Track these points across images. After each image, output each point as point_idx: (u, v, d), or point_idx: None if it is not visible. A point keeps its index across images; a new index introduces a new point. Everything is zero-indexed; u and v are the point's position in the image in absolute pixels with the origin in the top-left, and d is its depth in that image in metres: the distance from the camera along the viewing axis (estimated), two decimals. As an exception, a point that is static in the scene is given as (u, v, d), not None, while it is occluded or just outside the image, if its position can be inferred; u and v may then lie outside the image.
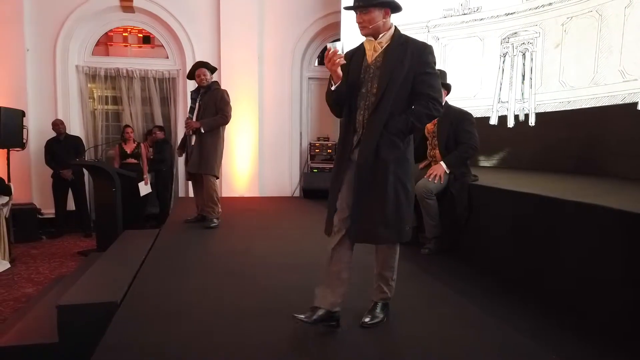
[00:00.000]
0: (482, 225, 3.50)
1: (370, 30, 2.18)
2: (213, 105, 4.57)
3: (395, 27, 2.24)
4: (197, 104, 4.64)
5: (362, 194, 2.15)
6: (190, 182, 5.26)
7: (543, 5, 5.09)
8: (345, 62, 2.14)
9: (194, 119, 4.60)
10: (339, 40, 2.30)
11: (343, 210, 2.19)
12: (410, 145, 2.26)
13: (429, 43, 2.26)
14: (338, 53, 2.08)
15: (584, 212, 2.51)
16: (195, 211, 4.90)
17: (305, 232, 4.60)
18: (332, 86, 2.21)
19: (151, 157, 7.02)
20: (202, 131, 4.51)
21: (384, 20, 2.17)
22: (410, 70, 2.14)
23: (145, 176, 6.64)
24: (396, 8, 2.20)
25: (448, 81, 3.89)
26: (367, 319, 2.26)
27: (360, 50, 2.28)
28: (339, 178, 2.24)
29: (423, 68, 2.16)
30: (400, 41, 2.19)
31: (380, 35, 2.20)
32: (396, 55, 2.16)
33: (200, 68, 4.64)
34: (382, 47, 2.20)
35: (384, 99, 2.14)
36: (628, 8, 4.22)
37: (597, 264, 2.38)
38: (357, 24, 2.22)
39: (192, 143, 4.61)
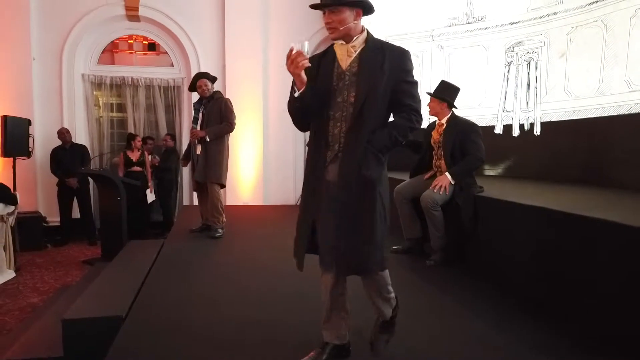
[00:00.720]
0: (488, 237, 3.48)
1: (340, 33, 1.94)
2: (217, 114, 4.59)
3: (367, 30, 2.01)
4: (200, 114, 4.66)
5: (347, 219, 1.91)
6: (192, 188, 5.27)
7: (548, 15, 5.09)
8: (309, 64, 1.88)
9: (198, 128, 4.62)
10: (306, 39, 1.92)
11: (326, 241, 1.95)
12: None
13: (406, 48, 2.03)
14: (303, 54, 1.82)
15: (588, 226, 2.49)
16: (200, 220, 4.90)
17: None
18: (295, 92, 1.94)
19: (156, 164, 7.08)
20: (208, 140, 4.52)
21: (356, 22, 1.94)
22: (390, 78, 1.93)
23: (150, 184, 6.72)
24: (369, 9, 1.97)
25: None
26: (375, 339, 2.16)
27: (329, 55, 2.03)
28: (313, 201, 1.99)
29: (404, 76, 1.97)
30: (376, 45, 1.97)
31: (353, 39, 1.96)
32: (374, 61, 1.94)
33: (201, 79, 4.66)
34: (355, 52, 1.97)
35: (364, 110, 1.91)
36: (633, 18, 4.21)
37: (604, 277, 2.37)
38: (325, 26, 1.96)
39: (198, 152, 4.63)
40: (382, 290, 2.06)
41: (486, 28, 5.71)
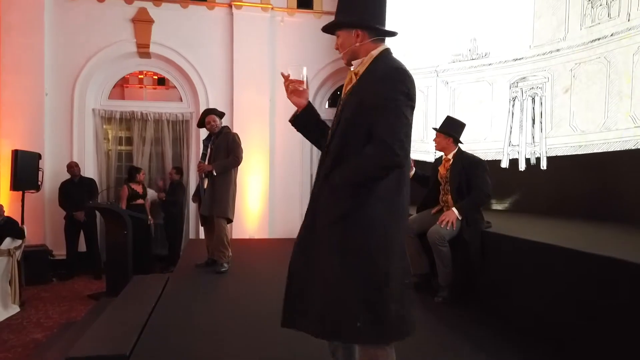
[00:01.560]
0: (496, 273, 3.44)
1: (346, 58, 1.79)
2: (224, 148, 4.63)
3: (384, 51, 1.74)
4: (208, 150, 4.70)
5: (293, 265, 1.84)
6: (200, 223, 5.28)
7: (551, 52, 5.16)
8: (301, 89, 1.84)
9: (206, 163, 4.66)
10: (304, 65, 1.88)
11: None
12: (372, 199, 1.65)
13: (405, 70, 1.68)
14: (292, 78, 1.82)
15: (596, 263, 2.46)
16: (206, 254, 4.89)
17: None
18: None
19: (163, 199, 7.15)
20: (215, 173, 4.55)
21: (359, 44, 1.73)
22: (364, 102, 1.64)
23: (149, 217, 6.83)
24: (372, 29, 1.73)
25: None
26: None
27: None
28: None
29: (376, 100, 1.60)
30: (374, 66, 1.72)
31: (356, 62, 1.77)
32: (360, 84, 1.73)
33: (209, 115, 4.72)
34: (358, 77, 1.76)
35: (333, 141, 1.73)
36: (636, 55, 4.26)
37: (614, 314, 2.32)
38: None
39: (205, 186, 4.65)
40: None
41: (490, 64, 5.79)
